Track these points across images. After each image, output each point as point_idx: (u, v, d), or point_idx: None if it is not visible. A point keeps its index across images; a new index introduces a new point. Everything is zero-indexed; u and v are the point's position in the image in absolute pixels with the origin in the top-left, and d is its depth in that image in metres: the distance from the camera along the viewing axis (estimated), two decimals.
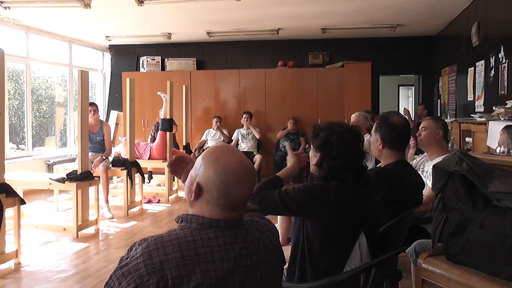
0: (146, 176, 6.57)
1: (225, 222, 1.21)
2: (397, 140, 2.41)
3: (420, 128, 3.08)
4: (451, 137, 4.60)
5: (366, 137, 3.99)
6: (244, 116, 7.89)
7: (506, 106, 4.02)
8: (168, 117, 6.59)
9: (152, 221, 5.36)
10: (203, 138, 8.01)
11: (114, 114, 8.96)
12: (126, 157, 5.82)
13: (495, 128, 3.75)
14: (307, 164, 2.13)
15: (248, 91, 8.48)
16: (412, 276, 2.61)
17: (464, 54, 6.14)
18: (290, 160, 2.19)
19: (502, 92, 4.63)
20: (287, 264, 1.91)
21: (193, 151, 7.64)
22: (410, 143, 3.12)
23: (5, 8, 5.85)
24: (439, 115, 7.62)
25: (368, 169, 2.05)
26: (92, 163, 5.40)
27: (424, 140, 3.04)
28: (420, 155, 3.41)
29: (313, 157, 1.98)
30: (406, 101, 13.15)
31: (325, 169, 1.89)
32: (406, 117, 7.54)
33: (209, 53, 8.93)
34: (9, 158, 6.47)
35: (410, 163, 2.93)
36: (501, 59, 4.70)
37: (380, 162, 2.60)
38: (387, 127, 2.40)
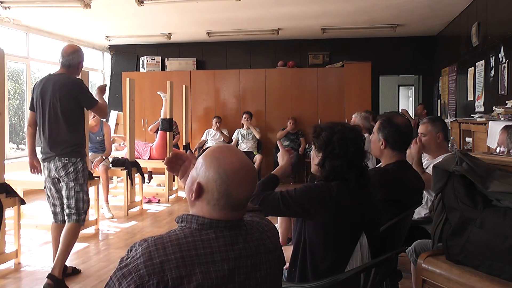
0: (146, 176, 6.58)
1: (226, 223, 1.21)
2: (400, 141, 2.42)
3: (419, 133, 3.07)
4: (451, 137, 4.60)
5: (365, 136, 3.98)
6: (244, 116, 7.89)
7: (506, 106, 4.02)
8: (168, 117, 6.59)
9: (152, 221, 5.36)
10: (203, 138, 8.01)
11: (114, 114, 8.97)
12: (126, 157, 5.82)
13: (495, 128, 3.75)
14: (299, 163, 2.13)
15: (248, 91, 8.48)
16: (412, 276, 2.61)
17: (464, 54, 6.14)
18: (283, 157, 2.16)
19: (502, 92, 4.63)
20: (287, 264, 1.91)
21: (193, 151, 7.65)
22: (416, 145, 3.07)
23: (5, 8, 5.85)
24: (439, 115, 7.61)
25: (369, 169, 2.05)
26: (92, 163, 5.40)
27: (425, 145, 3.04)
28: None
29: (315, 157, 1.97)
30: (406, 101, 13.14)
31: (327, 169, 1.89)
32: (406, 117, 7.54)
33: (209, 53, 8.93)
34: (9, 158, 6.47)
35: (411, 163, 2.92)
36: (501, 59, 4.70)
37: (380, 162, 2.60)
38: (391, 128, 2.40)
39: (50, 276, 3.12)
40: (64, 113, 3.23)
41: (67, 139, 3.25)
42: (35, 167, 3.50)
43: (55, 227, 3.40)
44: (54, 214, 3.40)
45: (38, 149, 3.57)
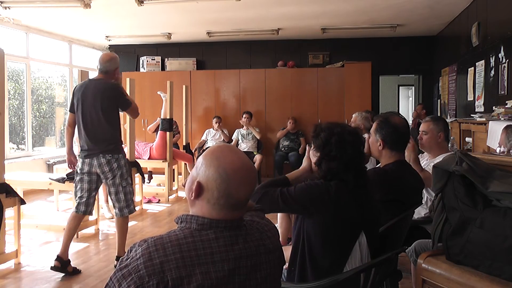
0: (146, 176, 6.57)
1: (226, 223, 1.21)
2: (398, 141, 2.42)
3: (420, 131, 3.07)
4: (451, 137, 4.60)
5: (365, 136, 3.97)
6: (244, 116, 7.89)
7: (506, 106, 4.02)
8: (168, 117, 6.59)
9: (152, 221, 5.36)
10: (203, 138, 8.01)
11: None
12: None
13: (495, 128, 3.75)
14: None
15: (248, 91, 8.47)
16: (412, 276, 2.61)
17: (464, 54, 6.14)
18: (305, 162, 2.11)
19: (502, 92, 4.63)
20: (287, 264, 1.91)
21: (193, 151, 7.64)
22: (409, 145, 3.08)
23: (5, 8, 5.85)
24: (439, 115, 7.61)
25: (367, 169, 2.05)
26: None
27: (426, 144, 3.04)
28: (420, 154, 3.40)
29: (313, 156, 1.99)
30: (406, 101, 13.14)
31: (324, 169, 1.90)
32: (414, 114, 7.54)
33: (209, 53, 8.93)
34: (9, 158, 6.47)
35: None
36: (501, 59, 4.70)
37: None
38: (389, 128, 2.40)
39: (118, 258, 3.66)
40: (105, 114, 3.55)
41: (109, 137, 3.59)
42: (72, 163, 3.78)
43: (74, 217, 3.65)
44: (78, 204, 3.63)
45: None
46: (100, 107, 3.54)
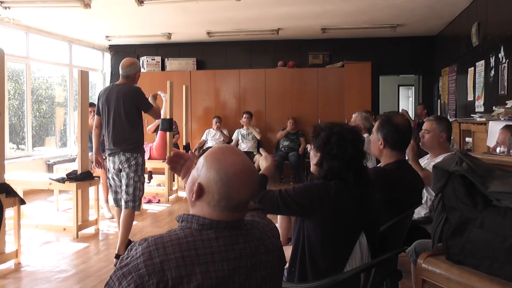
0: (146, 176, 6.56)
1: (226, 223, 1.21)
2: (399, 140, 2.42)
3: (423, 129, 3.07)
4: (451, 137, 4.60)
5: (364, 136, 3.98)
6: (244, 116, 7.89)
7: (506, 106, 4.02)
8: (168, 117, 6.59)
9: (152, 221, 5.36)
10: (203, 138, 8.01)
11: None
12: None
13: (495, 128, 3.75)
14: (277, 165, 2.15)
15: (248, 91, 8.47)
16: (412, 276, 2.61)
17: (464, 54, 6.14)
18: (267, 160, 2.21)
19: (502, 92, 4.63)
20: (287, 264, 1.91)
21: (193, 151, 7.64)
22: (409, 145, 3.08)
23: (5, 8, 5.85)
24: (439, 115, 7.61)
25: (368, 169, 2.05)
26: (92, 163, 5.39)
27: (427, 143, 3.04)
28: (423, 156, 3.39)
29: (314, 157, 1.99)
30: (406, 101, 13.13)
31: (325, 169, 1.90)
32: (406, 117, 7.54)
33: (209, 53, 8.93)
34: (9, 158, 6.47)
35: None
36: (501, 59, 4.70)
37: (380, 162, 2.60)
38: (390, 128, 2.40)
39: (117, 257, 3.73)
40: (127, 116, 3.82)
41: (130, 137, 3.84)
42: (99, 162, 4.15)
43: (118, 211, 4.00)
44: (116, 200, 3.99)
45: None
46: (123, 110, 3.79)
